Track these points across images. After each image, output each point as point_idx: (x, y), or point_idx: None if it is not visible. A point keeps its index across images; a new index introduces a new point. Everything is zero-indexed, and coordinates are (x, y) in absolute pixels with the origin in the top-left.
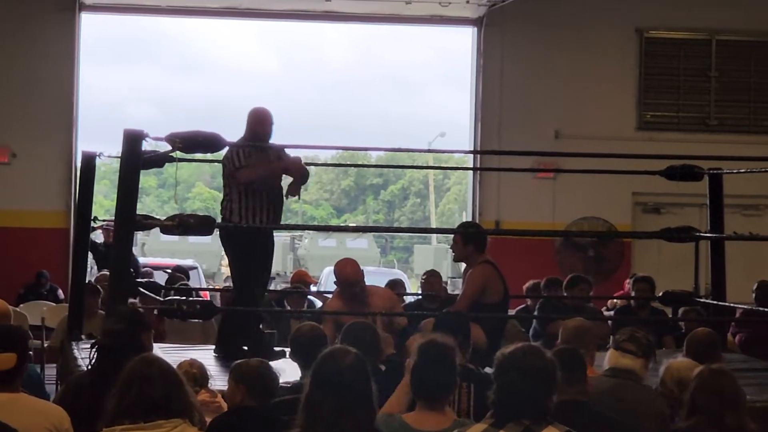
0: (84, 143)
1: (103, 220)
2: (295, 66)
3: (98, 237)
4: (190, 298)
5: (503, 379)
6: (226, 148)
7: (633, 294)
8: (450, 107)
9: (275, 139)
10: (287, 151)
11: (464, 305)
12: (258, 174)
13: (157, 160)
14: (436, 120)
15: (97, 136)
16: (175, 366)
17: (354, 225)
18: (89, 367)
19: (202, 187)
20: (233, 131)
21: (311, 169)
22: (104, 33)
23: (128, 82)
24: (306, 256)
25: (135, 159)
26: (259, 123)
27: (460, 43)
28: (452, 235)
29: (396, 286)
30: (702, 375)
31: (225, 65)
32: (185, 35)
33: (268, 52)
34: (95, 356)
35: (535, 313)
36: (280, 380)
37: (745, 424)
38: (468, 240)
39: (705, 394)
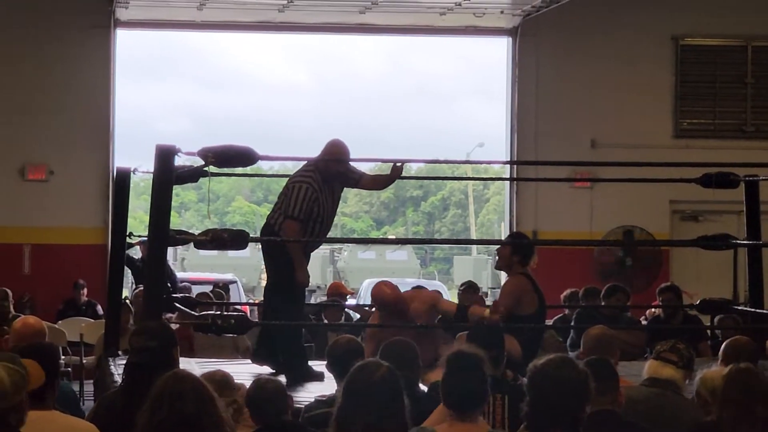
0: (119, 159)
1: (139, 236)
2: (325, 78)
3: (137, 252)
4: (225, 313)
5: (536, 391)
6: (303, 164)
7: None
8: (485, 117)
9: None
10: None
11: (500, 306)
12: (294, 249)
13: (191, 176)
14: (472, 131)
15: (132, 151)
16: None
17: (393, 237)
18: (121, 383)
19: (241, 200)
20: (264, 144)
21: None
22: (135, 48)
23: (160, 97)
24: (345, 268)
25: (167, 174)
26: (336, 161)
27: (493, 53)
28: (494, 246)
29: None
30: (731, 372)
31: (255, 78)
32: (215, 50)
33: (297, 64)
34: (127, 373)
35: (572, 323)
36: (317, 395)
37: None
38: (516, 250)
39: (734, 388)
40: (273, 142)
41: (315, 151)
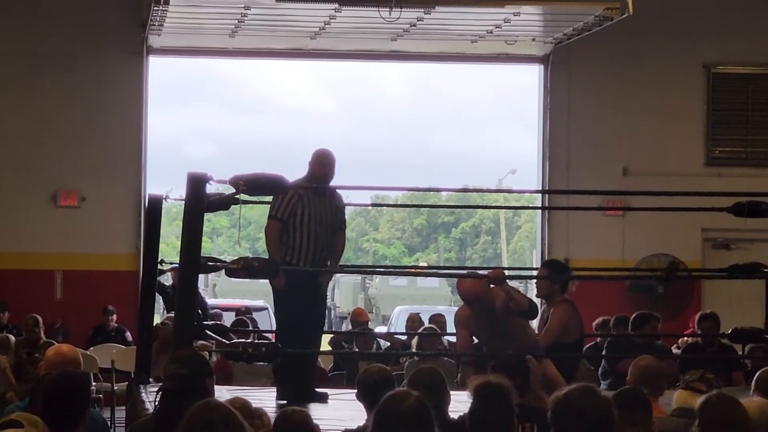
0: (151, 184)
1: (170, 263)
2: (352, 104)
3: (168, 279)
4: (256, 341)
5: (559, 421)
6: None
7: (698, 332)
8: (517, 144)
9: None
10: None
11: (548, 341)
12: (268, 241)
13: (222, 203)
14: (504, 157)
15: (160, 176)
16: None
17: (424, 264)
18: (154, 411)
19: None
20: (292, 170)
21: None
22: (162, 73)
23: (187, 122)
24: (377, 295)
25: (199, 202)
26: (318, 164)
27: (522, 80)
28: (533, 273)
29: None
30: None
31: (282, 104)
32: (242, 75)
33: (324, 90)
34: (159, 401)
35: (604, 351)
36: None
37: None
38: (557, 278)
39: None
40: (301, 168)
41: (343, 177)
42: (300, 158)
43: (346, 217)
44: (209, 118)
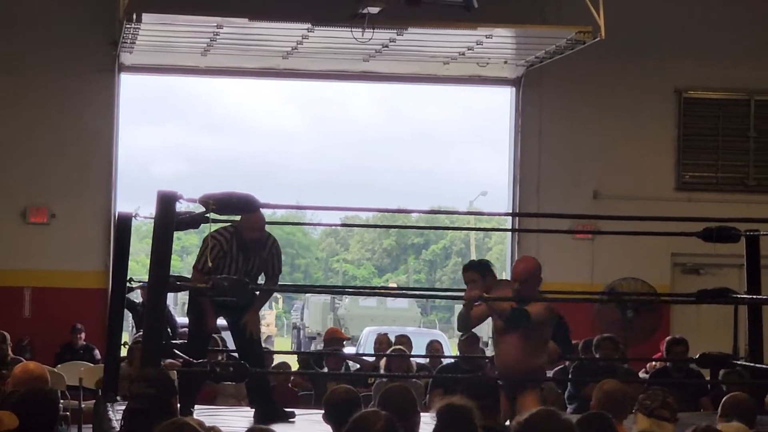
0: (119, 201)
1: (140, 281)
2: (321, 123)
3: (138, 297)
4: (224, 360)
5: None
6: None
7: (667, 356)
8: (488, 166)
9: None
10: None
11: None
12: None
13: (192, 222)
14: (475, 179)
15: (130, 194)
16: None
17: (394, 285)
18: (119, 430)
19: None
20: (260, 188)
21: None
22: (133, 92)
23: (157, 140)
24: (346, 316)
25: (168, 221)
26: (249, 229)
27: (492, 102)
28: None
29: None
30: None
31: (251, 123)
32: (211, 94)
33: (293, 109)
34: (125, 419)
35: (570, 375)
36: None
37: None
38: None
39: None
40: (269, 187)
41: (311, 197)
42: (268, 176)
43: (315, 236)
44: (178, 135)
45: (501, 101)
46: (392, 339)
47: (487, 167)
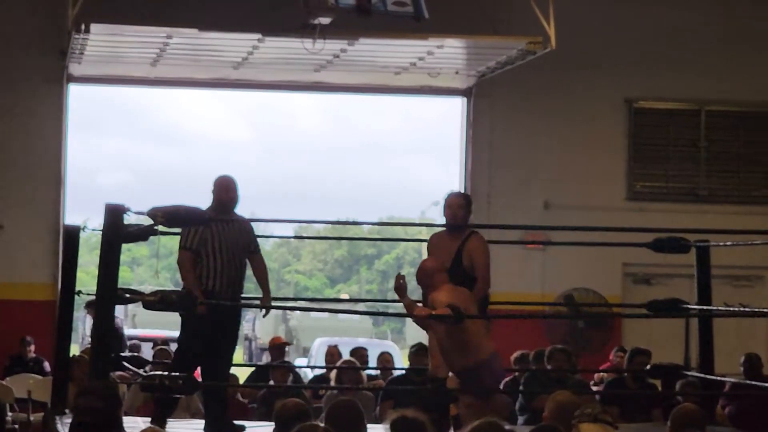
0: (68, 212)
1: (88, 292)
2: (268, 134)
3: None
4: (173, 373)
5: None
6: None
7: (626, 366)
8: (438, 176)
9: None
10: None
11: (488, 278)
12: (182, 272)
13: (141, 234)
14: (424, 189)
15: (76, 205)
16: None
17: (346, 296)
18: None
19: None
20: (207, 199)
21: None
22: (77, 102)
23: (102, 150)
24: (298, 327)
25: (116, 233)
26: (224, 190)
27: (442, 112)
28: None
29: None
30: None
31: (197, 133)
32: (157, 104)
33: (240, 120)
34: None
35: (521, 386)
36: None
37: None
38: (470, 207)
39: None
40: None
41: (261, 207)
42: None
43: (267, 247)
44: (122, 146)
45: (452, 111)
46: (344, 351)
47: (438, 177)
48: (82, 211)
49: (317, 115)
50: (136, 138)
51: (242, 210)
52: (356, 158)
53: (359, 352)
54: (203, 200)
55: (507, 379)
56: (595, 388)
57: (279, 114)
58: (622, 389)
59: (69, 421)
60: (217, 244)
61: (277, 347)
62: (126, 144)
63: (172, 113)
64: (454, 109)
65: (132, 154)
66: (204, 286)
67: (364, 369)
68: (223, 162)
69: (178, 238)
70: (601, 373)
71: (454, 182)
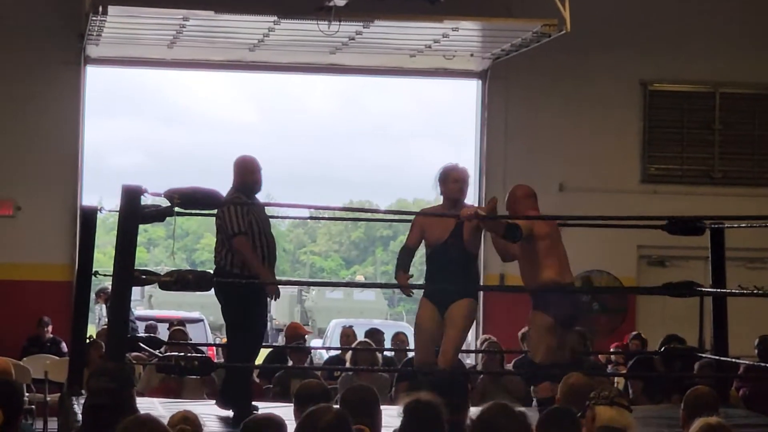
0: (86, 194)
1: (104, 274)
2: (281, 117)
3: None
4: (189, 354)
5: None
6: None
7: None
8: (453, 159)
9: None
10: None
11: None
12: (248, 256)
13: (157, 215)
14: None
15: (90, 187)
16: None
17: (361, 278)
18: (81, 426)
19: (210, 238)
20: (218, 180)
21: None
22: (92, 84)
23: (114, 132)
24: (313, 308)
25: (133, 215)
26: (249, 172)
27: (452, 96)
28: None
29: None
30: (699, 429)
31: (209, 116)
32: (170, 87)
33: (253, 102)
34: (85, 415)
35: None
36: None
37: None
38: None
39: None
40: (228, 178)
41: (273, 189)
42: (225, 170)
43: (283, 228)
44: (134, 128)
45: (464, 95)
46: (359, 332)
47: (454, 160)
48: (95, 192)
49: (330, 99)
50: (148, 120)
51: (264, 192)
52: (368, 142)
53: (374, 334)
54: (214, 182)
55: (517, 358)
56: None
57: (291, 98)
58: (650, 371)
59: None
60: (259, 226)
61: (295, 337)
62: (137, 126)
63: (184, 96)
64: (467, 92)
65: (143, 136)
66: (248, 271)
67: (380, 350)
68: (235, 145)
69: (195, 219)
70: (611, 356)
71: (470, 165)
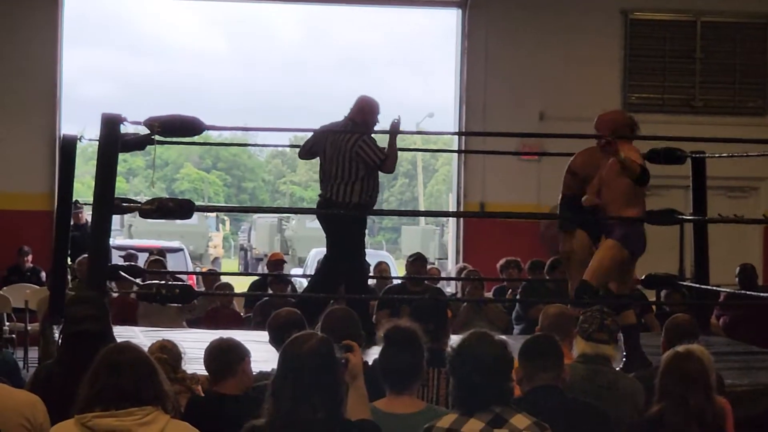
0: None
1: (85, 203)
2: (250, 46)
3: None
4: (169, 282)
5: (460, 372)
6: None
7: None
8: (433, 88)
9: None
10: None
11: None
12: (394, 163)
13: (137, 143)
14: (419, 102)
15: (68, 116)
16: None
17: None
18: (58, 354)
19: (190, 167)
20: (189, 109)
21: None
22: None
23: (82, 62)
24: (293, 237)
25: (113, 143)
26: (374, 113)
27: (422, 26)
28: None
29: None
30: (668, 358)
31: (175, 45)
32: (135, 16)
33: (218, 31)
34: (65, 343)
35: (518, 296)
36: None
37: (708, 406)
38: None
39: (670, 377)
40: (202, 109)
41: (248, 119)
42: (194, 99)
43: (261, 158)
44: (104, 57)
45: (443, 24)
46: None
47: (434, 89)
48: (69, 122)
49: (300, 29)
50: (118, 49)
51: (234, 121)
52: (340, 72)
53: (382, 267)
54: (185, 111)
55: (495, 287)
56: None
57: (260, 27)
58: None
59: None
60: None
61: (275, 263)
62: (106, 55)
63: (153, 25)
64: (444, 21)
65: (112, 65)
66: (370, 200)
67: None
68: (204, 75)
69: (174, 148)
70: None
71: (450, 94)
